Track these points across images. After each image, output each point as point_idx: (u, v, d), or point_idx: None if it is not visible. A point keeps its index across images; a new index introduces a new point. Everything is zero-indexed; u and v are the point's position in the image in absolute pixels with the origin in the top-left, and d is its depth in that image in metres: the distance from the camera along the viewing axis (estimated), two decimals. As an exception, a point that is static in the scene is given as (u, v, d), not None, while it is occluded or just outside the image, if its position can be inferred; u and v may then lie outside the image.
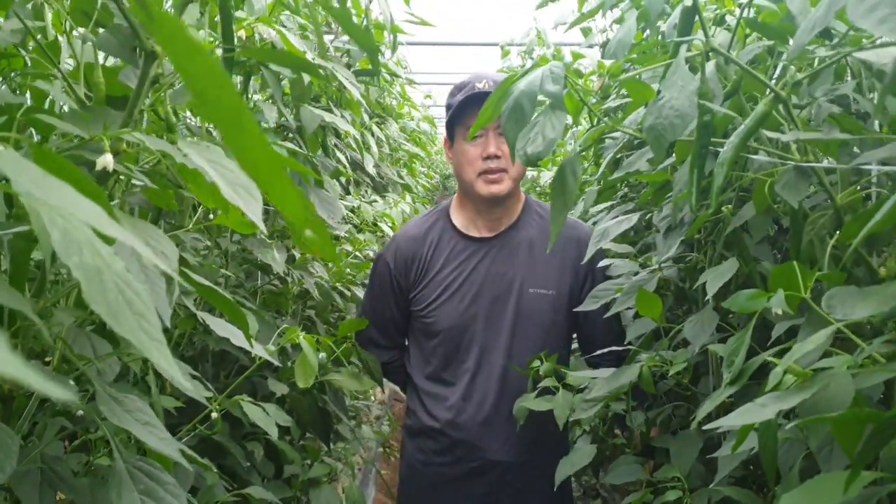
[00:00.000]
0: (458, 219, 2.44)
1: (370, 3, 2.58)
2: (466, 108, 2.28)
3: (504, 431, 2.30)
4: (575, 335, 2.48)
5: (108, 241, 0.67)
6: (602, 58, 2.89)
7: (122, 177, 1.34)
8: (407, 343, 2.54)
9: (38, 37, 1.24)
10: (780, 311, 1.06)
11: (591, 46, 3.55)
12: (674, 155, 1.67)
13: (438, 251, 2.40)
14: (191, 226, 1.50)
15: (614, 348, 1.98)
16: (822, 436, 0.95)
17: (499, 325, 2.33)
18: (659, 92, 1.19)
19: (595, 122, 2.24)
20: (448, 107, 2.37)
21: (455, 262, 2.38)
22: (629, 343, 1.89)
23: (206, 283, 1.08)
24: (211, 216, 1.59)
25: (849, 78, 1.43)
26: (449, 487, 2.37)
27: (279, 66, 1.34)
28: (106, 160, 0.80)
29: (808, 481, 0.87)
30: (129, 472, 0.94)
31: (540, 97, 1.24)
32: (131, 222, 0.67)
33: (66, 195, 0.47)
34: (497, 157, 2.28)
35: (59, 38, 1.35)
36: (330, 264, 2.64)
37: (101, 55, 1.22)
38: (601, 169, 2.48)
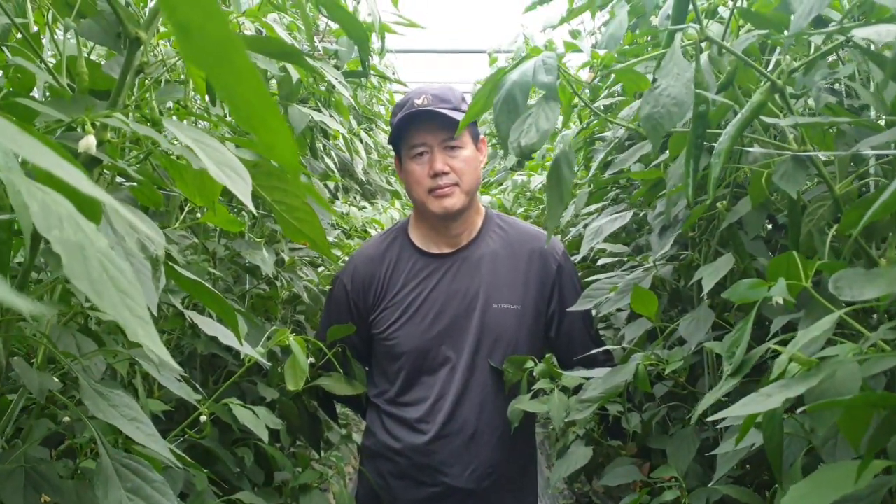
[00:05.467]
0: (416, 236, 2.35)
1: (357, 4, 2.56)
2: (408, 126, 2.21)
3: (464, 456, 2.21)
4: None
5: (94, 219, 0.64)
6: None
7: (106, 172, 1.31)
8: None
9: (20, 33, 1.22)
10: (780, 301, 1.03)
11: (579, 52, 3.54)
12: (667, 152, 1.65)
13: (397, 271, 2.30)
14: (177, 224, 1.47)
15: (597, 351, 1.97)
16: (829, 426, 0.93)
17: (462, 343, 2.23)
18: (654, 81, 1.17)
19: (587, 117, 2.23)
20: (391, 126, 2.30)
21: (415, 281, 2.28)
22: (623, 348, 1.87)
23: (193, 276, 1.05)
24: (199, 215, 1.56)
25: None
26: None
27: (265, 57, 1.31)
28: (88, 142, 0.77)
29: (816, 471, 0.84)
30: (115, 469, 0.91)
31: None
32: (114, 205, 0.64)
33: (48, 155, 0.44)
34: (445, 172, 2.20)
35: (42, 34, 1.33)
36: (320, 268, 2.61)
37: (84, 50, 1.19)
38: (592, 171, 2.47)
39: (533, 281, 2.29)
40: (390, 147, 2.55)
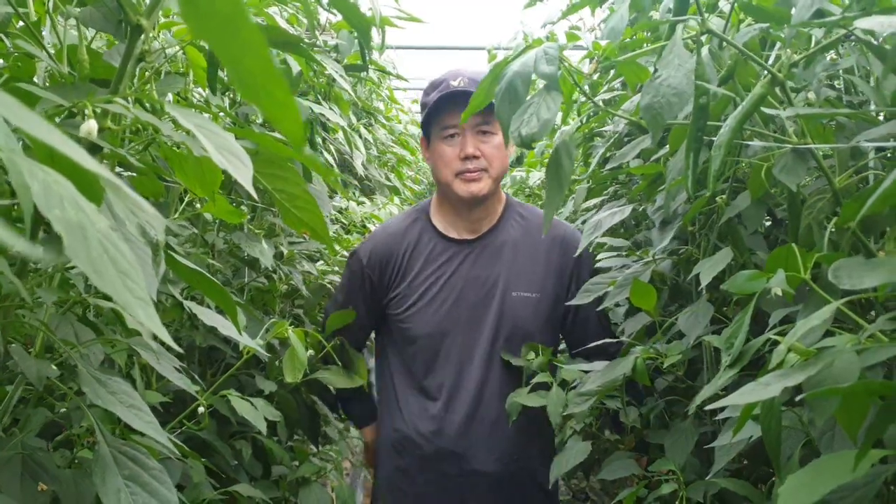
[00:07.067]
0: (437, 220, 2.34)
1: (358, -2, 2.55)
2: (442, 106, 2.19)
3: (487, 441, 2.22)
4: (564, 342, 2.42)
5: (95, 201, 0.64)
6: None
7: (106, 162, 1.31)
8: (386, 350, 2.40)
9: (21, 20, 1.21)
10: (779, 293, 1.04)
11: (577, 48, 3.54)
12: (666, 146, 1.65)
13: (417, 252, 2.30)
14: (177, 215, 1.47)
15: (609, 341, 1.96)
16: (827, 416, 0.93)
17: (479, 330, 2.24)
18: (655, 71, 1.17)
19: (586, 112, 2.23)
20: (423, 105, 2.29)
21: (434, 265, 2.28)
22: (622, 342, 1.86)
23: (194, 266, 1.05)
24: (198, 206, 1.56)
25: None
26: (430, 499, 2.27)
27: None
28: (90, 126, 0.77)
29: (814, 461, 0.84)
30: (113, 456, 0.91)
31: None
32: (115, 188, 0.64)
33: (52, 132, 0.44)
34: (476, 157, 2.19)
35: (42, 23, 1.32)
36: (318, 262, 2.60)
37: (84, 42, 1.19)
38: (591, 166, 2.47)
39: (552, 270, 2.30)
40: (390, 143, 2.54)
